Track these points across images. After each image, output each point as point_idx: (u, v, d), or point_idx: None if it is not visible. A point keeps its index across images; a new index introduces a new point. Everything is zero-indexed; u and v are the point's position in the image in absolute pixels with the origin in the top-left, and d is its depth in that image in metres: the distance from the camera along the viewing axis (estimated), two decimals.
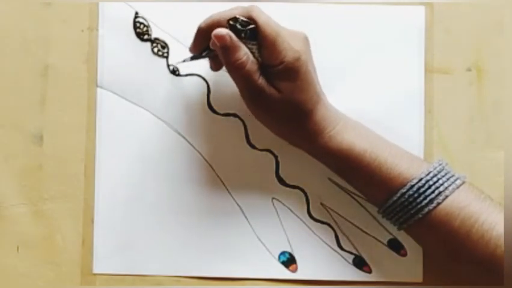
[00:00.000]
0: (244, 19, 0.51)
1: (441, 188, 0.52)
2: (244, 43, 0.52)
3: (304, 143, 0.55)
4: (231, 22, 0.51)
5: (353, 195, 0.59)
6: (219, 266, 0.59)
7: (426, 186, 0.52)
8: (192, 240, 0.59)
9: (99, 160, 0.59)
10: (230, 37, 0.51)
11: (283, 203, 0.59)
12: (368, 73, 0.59)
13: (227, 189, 0.59)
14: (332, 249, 0.59)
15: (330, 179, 0.59)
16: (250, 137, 0.59)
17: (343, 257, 0.59)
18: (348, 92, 0.59)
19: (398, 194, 0.52)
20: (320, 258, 0.59)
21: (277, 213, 0.59)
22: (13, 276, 0.59)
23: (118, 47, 0.59)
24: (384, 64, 0.59)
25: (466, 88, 0.59)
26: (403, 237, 0.58)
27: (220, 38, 0.51)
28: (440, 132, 0.59)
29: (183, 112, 0.59)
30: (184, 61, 0.57)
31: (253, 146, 0.59)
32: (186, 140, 0.59)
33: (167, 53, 0.60)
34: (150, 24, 0.60)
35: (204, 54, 0.55)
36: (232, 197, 0.59)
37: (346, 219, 0.59)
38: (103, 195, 0.59)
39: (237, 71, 0.52)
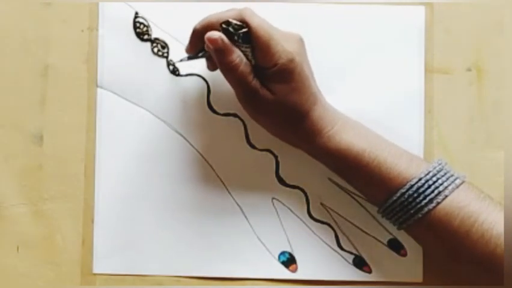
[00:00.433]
0: (237, 22, 0.51)
1: (440, 188, 0.52)
2: (238, 46, 0.52)
3: (302, 144, 0.55)
4: (223, 26, 0.52)
5: (353, 195, 0.59)
6: (219, 266, 0.59)
7: (426, 185, 0.52)
8: (192, 240, 0.59)
9: (99, 160, 0.59)
10: (222, 40, 0.51)
11: (283, 203, 0.59)
12: (368, 73, 0.59)
13: (227, 189, 0.59)
14: (332, 249, 0.59)
15: (330, 179, 0.59)
16: (250, 137, 0.59)
17: (343, 257, 0.59)
18: (348, 92, 0.59)
19: (398, 194, 0.52)
20: (319, 258, 0.58)
21: (277, 213, 0.59)
22: (13, 276, 0.59)
23: (118, 47, 0.60)
24: (384, 64, 0.59)
25: (466, 88, 0.59)
26: (403, 237, 0.58)
27: (212, 41, 0.51)
28: (440, 132, 0.59)
29: (183, 112, 0.59)
30: (181, 60, 0.57)
31: (253, 146, 0.59)
32: (186, 140, 0.59)
33: (167, 53, 0.60)
34: (150, 24, 0.60)
35: (200, 54, 0.56)
36: (232, 197, 0.59)
37: (346, 219, 0.59)
38: (102, 195, 0.59)
39: (230, 73, 0.52)
